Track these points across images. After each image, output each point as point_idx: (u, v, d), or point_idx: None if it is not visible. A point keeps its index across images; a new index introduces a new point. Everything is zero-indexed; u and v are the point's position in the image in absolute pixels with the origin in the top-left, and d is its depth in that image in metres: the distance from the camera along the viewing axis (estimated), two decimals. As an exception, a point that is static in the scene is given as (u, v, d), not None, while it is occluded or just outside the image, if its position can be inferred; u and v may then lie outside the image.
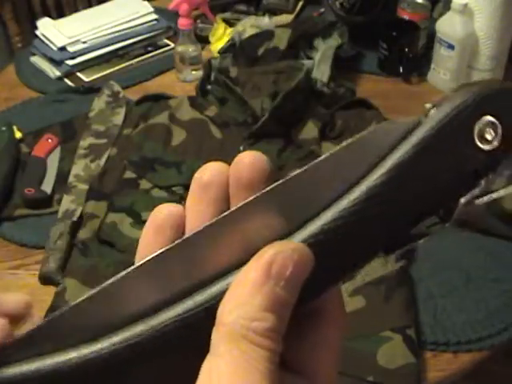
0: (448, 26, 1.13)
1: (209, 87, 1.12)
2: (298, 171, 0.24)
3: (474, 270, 0.81)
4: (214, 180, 0.25)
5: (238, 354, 0.21)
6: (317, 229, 0.24)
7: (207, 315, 0.23)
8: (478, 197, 0.25)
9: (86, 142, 1.03)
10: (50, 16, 1.46)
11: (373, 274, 0.77)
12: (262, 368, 0.21)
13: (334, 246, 0.24)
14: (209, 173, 0.25)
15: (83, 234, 0.87)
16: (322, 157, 0.24)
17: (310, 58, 1.15)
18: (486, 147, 0.25)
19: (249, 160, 0.25)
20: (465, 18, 1.11)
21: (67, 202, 0.92)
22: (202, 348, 0.22)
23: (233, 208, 0.23)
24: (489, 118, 0.25)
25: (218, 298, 0.23)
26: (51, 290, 0.81)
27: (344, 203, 0.24)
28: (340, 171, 0.24)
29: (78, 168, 0.98)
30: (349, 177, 0.24)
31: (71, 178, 0.96)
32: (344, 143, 0.24)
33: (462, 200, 0.25)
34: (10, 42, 1.94)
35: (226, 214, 0.23)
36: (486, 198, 0.26)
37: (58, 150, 1.03)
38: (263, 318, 0.22)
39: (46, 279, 0.83)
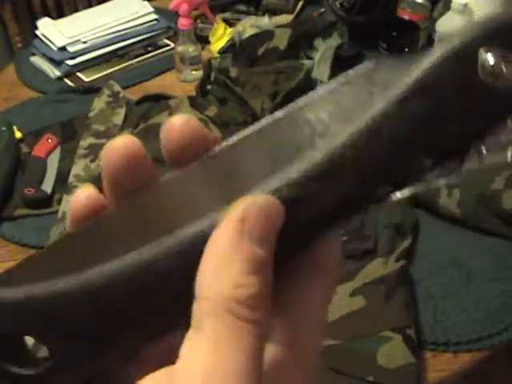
0: (448, 25, 1.13)
1: (209, 87, 1.12)
2: (279, 114, 0.22)
3: (474, 270, 0.81)
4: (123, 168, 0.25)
5: (221, 331, 0.20)
6: (293, 175, 0.21)
7: (180, 258, 0.21)
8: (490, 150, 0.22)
9: (86, 142, 1.03)
10: (50, 16, 1.46)
11: (373, 274, 0.77)
12: (246, 346, 0.20)
13: (309, 197, 0.21)
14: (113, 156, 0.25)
15: (83, 233, 0.87)
16: (317, 91, 0.22)
17: (310, 58, 1.15)
18: (495, 82, 0.22)
19: (180, 122, 0.24)
20: (465, 18, 1.11)
21: (67, 202, 0.92)
22: (177, 294, 0.21)
23: (206, 155, 0.22)
24: (493, 52, 0.22)
25: (190, 242, 0.21)
26: (51, 290, 0.81)
27: (338, 142, 0.21)
28: (339, 109, 0.22)
29: (77, 168, 0.98)
30: (347, 115, 0.22)
31: (71, 178, 0.96)
32: (341, 78, 0.22)
33: (474, 147, 0.22)
34: (10, 42, 1.95)
35: (194, 163, 0.22)
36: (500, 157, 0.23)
37: (58, 150, 1.03)
38: (246, 283, 0.20)
39: (45, 279, 0.83)
